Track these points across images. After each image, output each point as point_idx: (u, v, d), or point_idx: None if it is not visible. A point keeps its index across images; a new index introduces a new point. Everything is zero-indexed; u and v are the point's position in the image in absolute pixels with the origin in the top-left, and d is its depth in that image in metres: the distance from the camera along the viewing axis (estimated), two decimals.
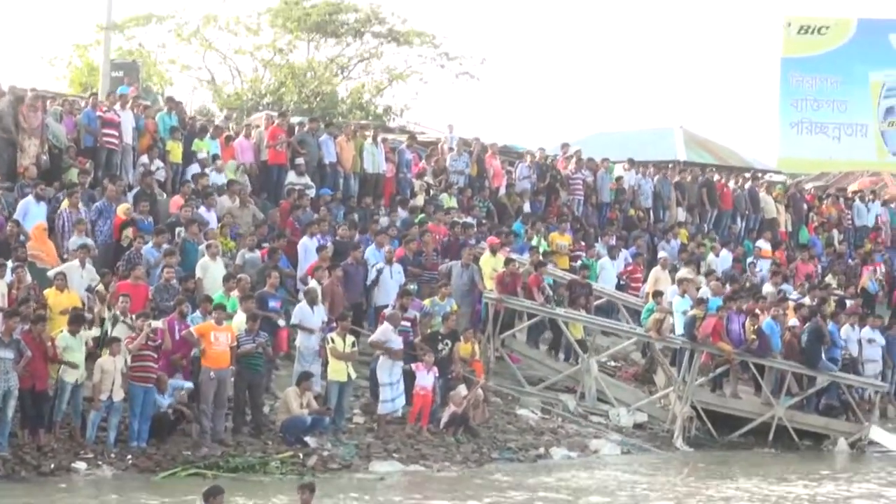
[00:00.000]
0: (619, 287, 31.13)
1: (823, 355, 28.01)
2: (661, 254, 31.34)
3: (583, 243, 32.44)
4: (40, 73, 61.06)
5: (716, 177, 39.51)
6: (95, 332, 21.72)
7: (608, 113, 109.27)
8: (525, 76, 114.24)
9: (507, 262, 27.47)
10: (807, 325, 27.97)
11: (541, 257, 28.62)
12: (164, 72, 63.27)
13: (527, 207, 33.49)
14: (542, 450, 24.50)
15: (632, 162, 36.90)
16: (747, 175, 41.23)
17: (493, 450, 23.97)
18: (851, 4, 75.59)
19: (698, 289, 29.01)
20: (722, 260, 34.04)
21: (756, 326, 27.56)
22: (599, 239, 32.80)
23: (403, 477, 21.93)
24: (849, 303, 33.03)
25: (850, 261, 37.53)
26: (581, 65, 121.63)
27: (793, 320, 28.38)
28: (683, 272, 29.55)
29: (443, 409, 24.27)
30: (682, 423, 26.70)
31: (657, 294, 28.06)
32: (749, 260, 34.51)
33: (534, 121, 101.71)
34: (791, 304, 29.57)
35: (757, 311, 28.23)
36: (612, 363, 29.84)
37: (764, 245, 36.27)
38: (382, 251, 26.87)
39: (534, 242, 30.85)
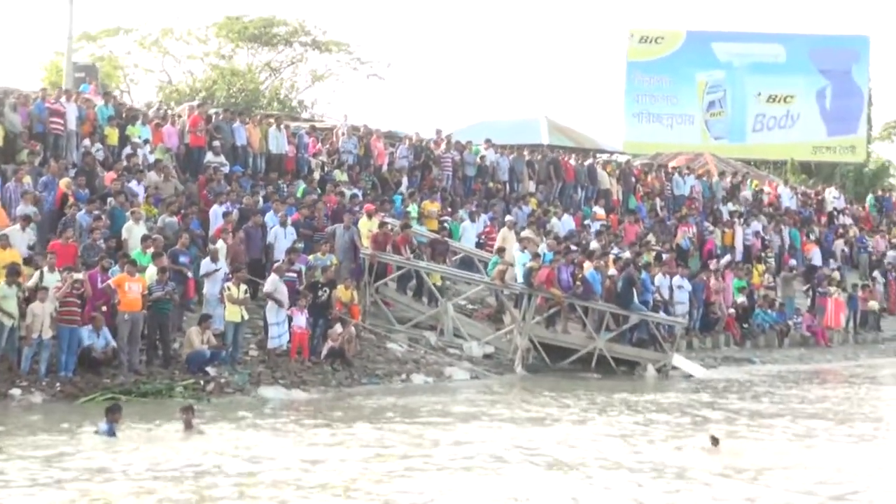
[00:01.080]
0: (478, 245, 30.82)
1: (636, 299, 27.89)
2: (509, 217, 30.98)
3: (449, 210, 32.20)
4: (28, 73, 60.89)
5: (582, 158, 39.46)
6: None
7: (488, 105, 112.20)
8: (423, 76, 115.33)
9: (381, 224, 27.14)
10: (622, 273, 27.79)
11: (410, 221, 28.29)
12: (126, 74, 62.84)
13: (405, 181, 33.11)
14: (404, 376, 24.17)
15: (489, 142, 36.51)
16: (600, 156, 41.20)
17: (363, 376, 23.64)
18: (682, 18, 75.88)
19: (538, 245, 28.78)
20: (564, 223, 33.84)
21: (581, 275, 27.40)
22: (463, 206, 32.49)
23: (285, 398, 21.56)
24: (665, 256, 33.14)
25: (668, 223, 37.50)
26: (466, 68, 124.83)
27: (612, 270, 28.20)
28: (525, 232, 29.31)
29: (323, 344, 23.89)
30: (522, 353, 26.49)
31: (501, 250, 27.80)
32: (586, 222, 34.35)
33: (428, 112, 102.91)
34: (611, 257, 29.37)
35: (585, 263, 28.16)
36: (470, 306, 29.53)
37: (599, 210, 36.14)
38: (278, 216, 26.39)
39: (408, 209, 30.57)
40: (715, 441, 16.77)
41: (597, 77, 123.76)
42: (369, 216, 27.50)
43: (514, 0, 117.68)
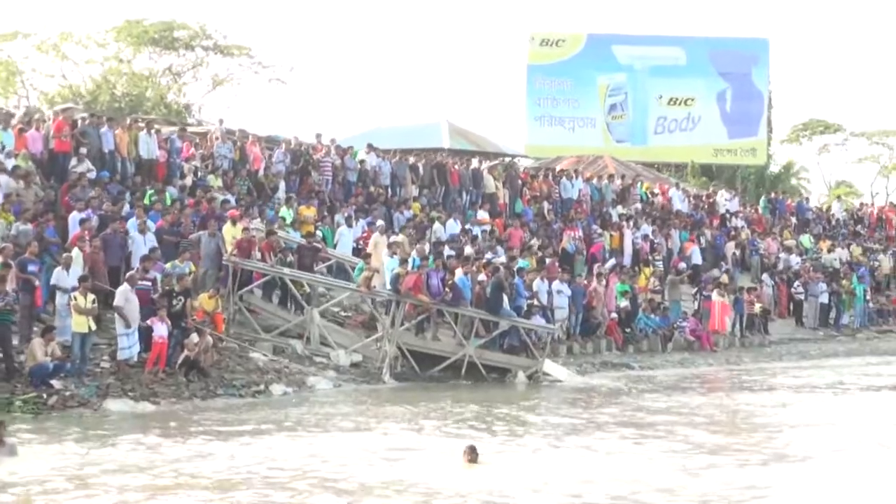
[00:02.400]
0: (356, 250, 30.32)
1: (508, 304, 27.53)
2: (380, 222, 30.48)
3: (326, 215, 31.70)
4: None
5: (479, 162, 39.14)
6: None
7: (391, 109, 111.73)
8: (325, 80, 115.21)
9: (244, 230, 26.53)
10: (491, 279, 27.41)
11: (274, 227, 27.77)
12: (25, 79, 61.75)
13: (282, 186, 32.51)
14: (262, 386, 23.52)
15: (370, 147, 36.04)
16: (497, 159, 40.82)
17: (219, 387, 22.99)
18: (582, 21, 76.21)
19: (410, 251, 28.36)
20: (449, 227, 33.51)
21: (451, 281, 26.99)
22: (341, 211, 31.97)
23: (132, 412, 20.86)
24: (548, 261, 32.91)
25: (555, 227, 37.24)
26: (367, 73, 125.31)
27: (482, 276, 27.81)
28: (395, 238, 28.84)
29: (179, 355, 23.24)
30: (390, 361, 26.01)
31: (367, 255, 27.33)
32: (467, 226, 33.97)
33: (330, 116, 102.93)
34: (482, 262, 28.96)
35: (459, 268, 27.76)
36: (344, 313, 29.03)
37: (482, 215, 35.78)
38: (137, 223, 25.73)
39: (281, 213, 30.04)
40: (472, 454, 15.77)
41: (499, 81, 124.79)
42: (234, 222, 26.86)
43: (416, 4, 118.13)
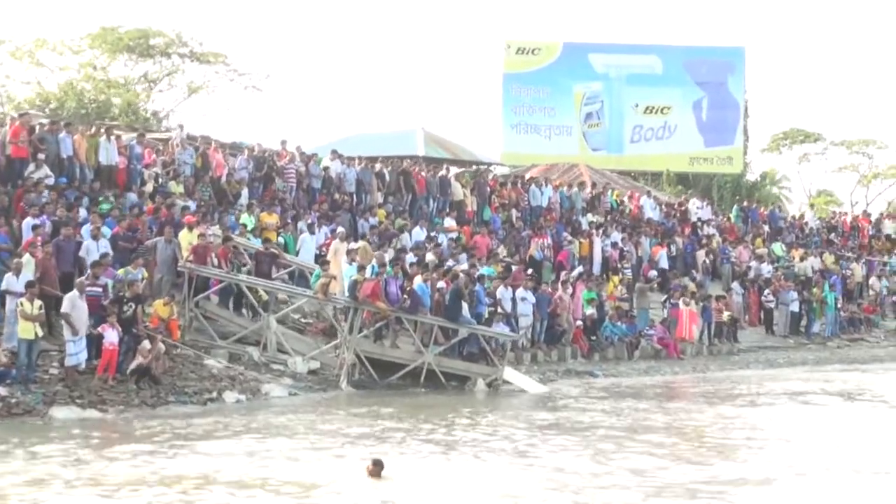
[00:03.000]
0: (318, 257, 30.05)
1: (468, 312, 27.30)
2: (340, 229, 30.21)
3: (289, 221, 31.47)
4: None
5: (453, 169, 38.85)
6: None
7: (368, 117, 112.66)
8: (302, 88, 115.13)
9: (200, 236, 26.27)
10: (450, 286, 27.16)
11: (236, 233, 27.56)
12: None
13: (245, 193, 32.25)
14: (215, 393, 23.24)
15: (335, 153, 35.79)
16: (471, 167, 40.45)
17: (170, 394, 22.70)
18: (559, 30, 76.14)
19: (371, 258, 28.10)
20: (414, 234, 33.31)
21: (409, 288, 26.75)
22: (303, 218, 31.73)
23: (79, 419, 20.57)
24: (514, 268, 32.71)
25: (524, 234, 37.03)
26: (344, 80, 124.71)
27: (441, 283, 27.56)
28: (353, 244, 28.60)
29: (130, 362, 22.94)
30: (347, 369, 25.75)
31: (325, 262, 27.10)
32: (433, 234, 33.73)
33: (305, 124, 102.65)
34: (442, 269, 28.70)
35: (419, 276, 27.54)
36: (305, 320, 28.77)
37: (449, 222, 35.56)
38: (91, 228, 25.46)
39: (242, 220, 29.80)
40: (375, 468, 15.43)
41: (475, 89, 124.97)
42: (190, 228, 26.60)
43: (393, 13, 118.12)
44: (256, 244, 28.47)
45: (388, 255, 28.38)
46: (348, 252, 27.55)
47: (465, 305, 27.16)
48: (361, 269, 26.35)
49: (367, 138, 55.52)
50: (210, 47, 65.03)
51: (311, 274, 27.77)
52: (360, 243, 28.97)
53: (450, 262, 29.99)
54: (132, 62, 64.24)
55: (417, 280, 27.10)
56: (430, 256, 29.94)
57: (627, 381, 30.11)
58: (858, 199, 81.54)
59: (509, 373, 27.23)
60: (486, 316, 28.57)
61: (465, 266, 29.92)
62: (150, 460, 16.87)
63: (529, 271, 32.82)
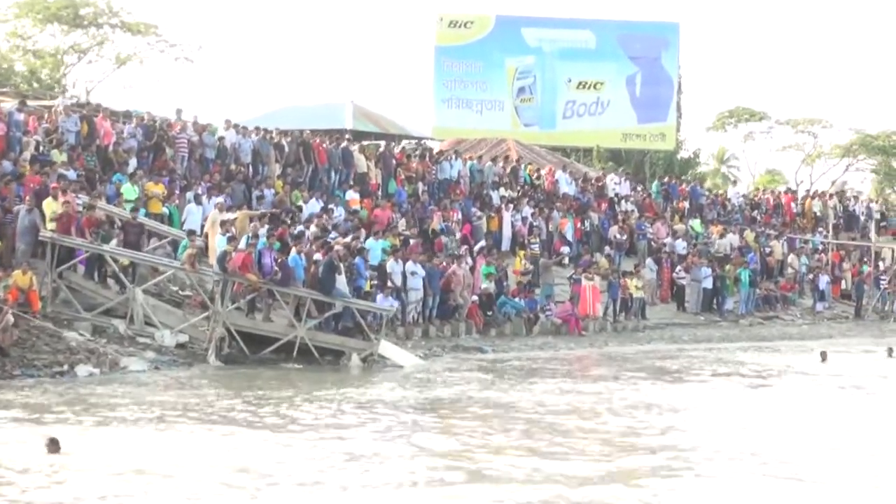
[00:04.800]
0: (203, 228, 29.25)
1: (345, 285, 26.58)
2: (219, 199, 29.34)
3: (178, 192, 30.64)
4: None
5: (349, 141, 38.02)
6: None
7: (300, 90, 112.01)
8: (235, 60, 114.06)
9: (65, 204, 25.40)
10: (324, 259, 26.42)
11: (95, 202, 26.68)
12: None
13: (133, 162, 31.33)
14: (66, 367, 22.45)
15: (229, 123, 34.90)
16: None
17: (16, 367, 21.91)
18: (491, 2, 75.12)
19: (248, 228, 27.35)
20: (310, 206, 32.57)
21: (281, 260, 26.00)
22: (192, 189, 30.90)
23: None
24: (412, 241, 32.09)
25: (430, 208, 36.32)
26: (278, 52, 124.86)
27: (317, 255, 26.80)
28: (226, 215, 27.76)
29: None
30: (216, 342, 25.00)
31: (192, 233, 26.32)
32: (330, 206, 32.92)
33: (236, 96, 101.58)
34: (320, 241, 27.92)
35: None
36: (183, 292, 27.96)
37: (351, 195, 34.80)
38: None
39: (123, 190, 28.94)
40: (52, 447, 14.95)
41: (407, 62, 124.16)
42: (55, 196, 25.73)
43: None
44: (124, 213, 27.52)
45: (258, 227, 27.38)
46: (222, 223, 26.73)
47: (341, 279, 26.40)
48: (233, 239, 25.57)
49: (296, 110, 54.72)
50: (141, 17, 63.97)
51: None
52: (238, 213, 28.12)
53: (332, 235, 29.13)
54: (62, 33, 63.12)
55: (292, 252, 26.32)
56: (312, 229, 29.12)
57: (517, 355, 29.44)
58: (803, 178, 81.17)
59: (385, 347, 26.53)
60: (367, 289, 27.84)
61: (348, 239, 29.13)
62: None
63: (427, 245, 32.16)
